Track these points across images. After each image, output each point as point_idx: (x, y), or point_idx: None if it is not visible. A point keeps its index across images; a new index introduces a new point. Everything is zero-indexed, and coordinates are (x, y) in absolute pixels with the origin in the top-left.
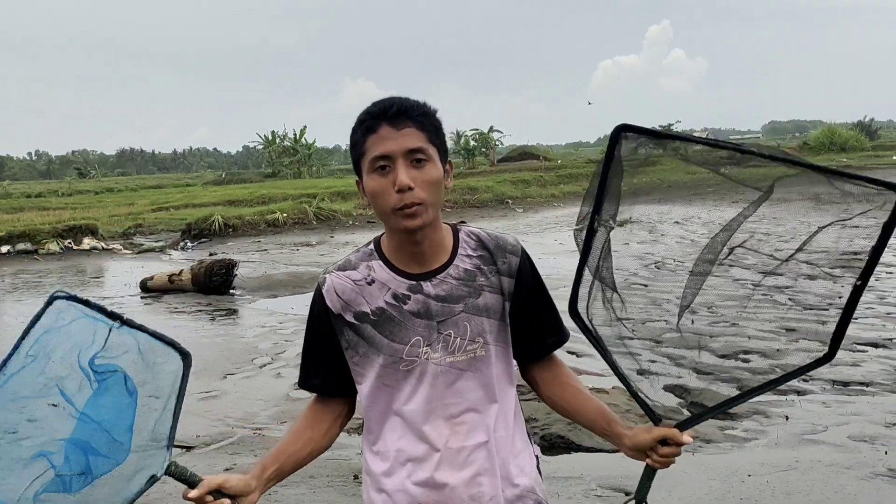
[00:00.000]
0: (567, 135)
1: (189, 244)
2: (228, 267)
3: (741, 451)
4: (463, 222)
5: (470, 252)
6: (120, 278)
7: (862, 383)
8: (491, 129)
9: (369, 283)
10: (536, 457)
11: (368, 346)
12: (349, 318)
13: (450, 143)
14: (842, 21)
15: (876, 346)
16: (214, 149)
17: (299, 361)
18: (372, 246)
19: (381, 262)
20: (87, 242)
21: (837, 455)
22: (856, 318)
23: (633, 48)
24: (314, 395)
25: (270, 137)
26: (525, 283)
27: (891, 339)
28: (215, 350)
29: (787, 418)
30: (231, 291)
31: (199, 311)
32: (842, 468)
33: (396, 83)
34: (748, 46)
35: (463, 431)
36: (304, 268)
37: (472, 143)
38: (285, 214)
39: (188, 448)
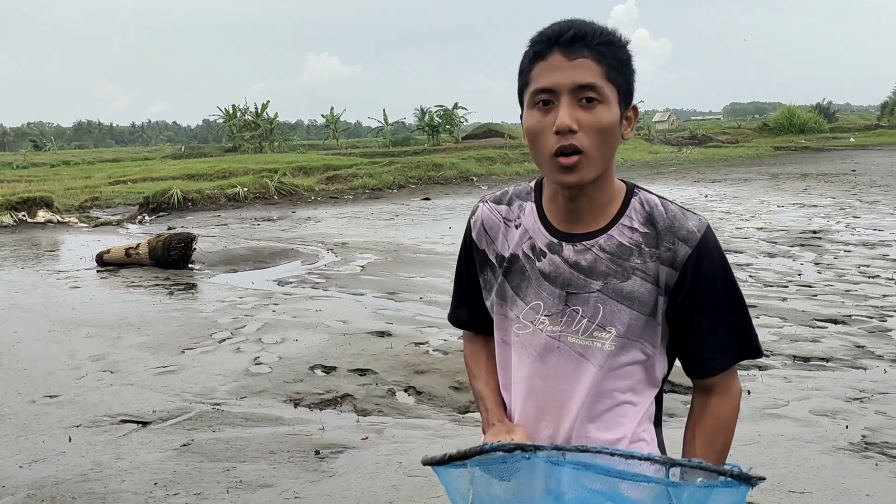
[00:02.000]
0: None
1: (147, 218)
2: (187, 241)
3: None
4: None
5: (635, 225)
6: (76, 252)
7: (822, 359)
8: (456, 106)
9: (516, 226)
10: None
11: (495, 293)
12: (491, 257)
13: (413, 120)
14: (801, 5)
15: (835, 322)
16: (174, 122)
17: (259, 337)
18: (533, 184)
19: (533, 206)
20: (42, 215)
21: (799, 429)
22: (815, 295)
23: None
24: (464, 332)
25: (231, 111)
26: (691, 282)
27: (849, 316)
28: (173, 324)
29: (748, 392)
30: (190, 266)
31: (157, 285)
32: (804, 442)
33: (361, 58)
34: (711, 28)
35: (563, 428)
36: (265, 242)
37: (437, 119)
38: (246, 189)
39: (144, 423)
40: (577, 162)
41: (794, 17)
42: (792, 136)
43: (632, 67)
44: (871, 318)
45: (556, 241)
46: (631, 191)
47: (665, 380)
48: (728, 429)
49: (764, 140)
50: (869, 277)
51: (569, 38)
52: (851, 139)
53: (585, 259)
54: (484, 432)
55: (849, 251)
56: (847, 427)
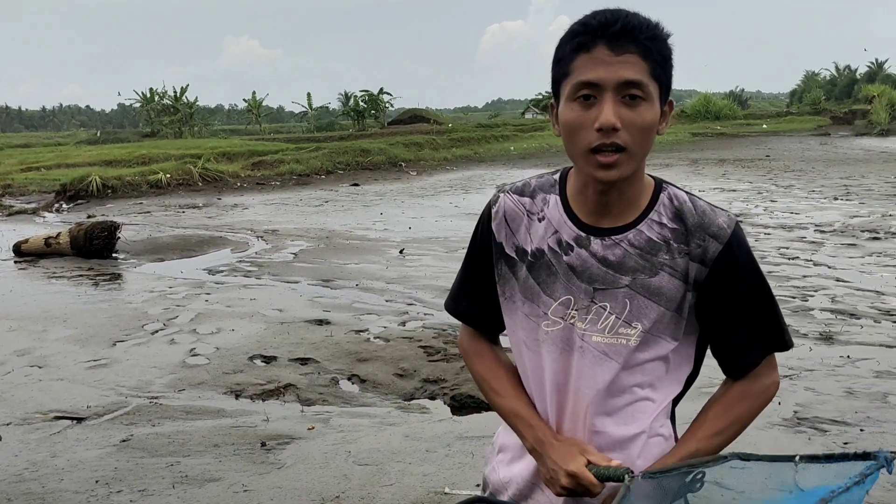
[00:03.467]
0: (456, 99)
1: (64, 206)
2: (111, 229)
3: None
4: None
5: (664, 220)
6: None
7: None
8: (381, 91)
9: (539, 220)
10: None
11: (517, 290)
12: (509, 250)
13: (338, 105)
14: None
15: None
16: (87, 106)
17: (193, 328)
18: (557, 177)
19: (558, 199)
20: None
21: None
22: None
23: (519, 14)
24: (464, 326)
25: (149, 95)
26: (722, 279)
27: None
28: (101, 316)
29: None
30: (114, 255)
31: (81, 275)
32: None
33: (282, 41)
34: None
35: (580, 425)
36: (191, 230)
37: (363, 104)
38: (168, 175)
39: (78, 419)
40: (618, 160)
41: (708, 8)
42: (708, 123)
43: (672, 63)
44: (794, 297)
45: (583, 234)
46: (659, 186)
47: (689, 382)
48: (749, 401)
49: (682, 126)
50: (789, 259)
51: (616, 31)
52: (764, 125)
53: (614, 254)
54: (532, 451)
55: (769, 234)
56: (779, 403)
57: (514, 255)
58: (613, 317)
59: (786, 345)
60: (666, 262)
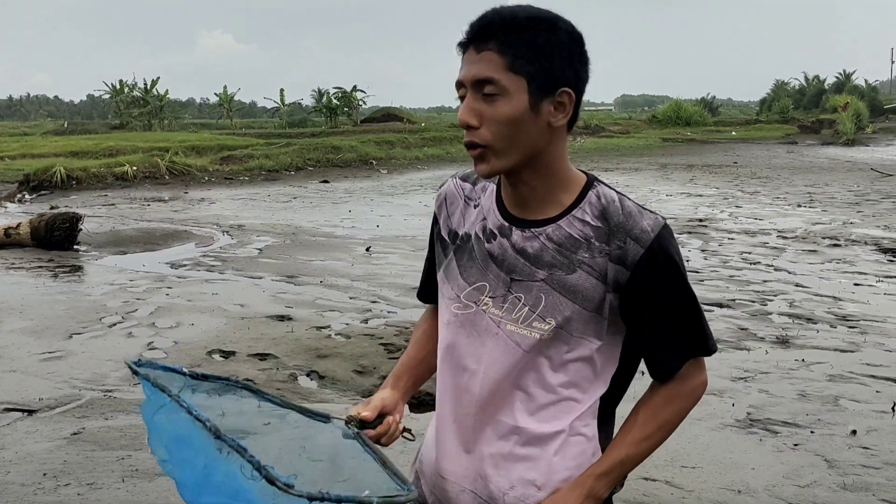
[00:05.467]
0: (430, 98)
1: (27, 196)
2: (72, 221)
3: None
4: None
5: (587, 219)
6: None
7: None
8: (354, 89)
9: (475, 206)
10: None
11: (443, 270)
12: (443, 232)
13: (311, 101)
14: (687, 4)
15: (721, 305)
16: (55, 97)
17: (152, 322)
18: None
19: (494, 189)
20: None
21: None
22: (702, 281)
23: None
24: (429, 307)
25: (118, 87)
26: (643, 283)
27: (734, 300)
28: (59, 308)
29: (642, 373)
30: (75, 247)
31: (40, 267)
32: (694, 420)
33: (256, 36)
34: (603, 21)
35: (496, 417)
36: (156, 224)
37: (335, 101)
38: (135, 168)
39: (30, 412)
40: (481, 154)
41: (680, 15)
42: (679, 129)
43: (552, 51)
44: (754, 302)
45: (507, 224)
46: (590, 183)
47: (619, 381)
48: (677, 404)
49: (653, 131)
50: (751, 264)
51: (475, 30)
52: (733, 132)
53: (532, 246)
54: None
55: (732, 239)
56: (733, 405)
57: (447, 237)
58: (527, 308)
59: (709, 350)
60: (585, 260)
